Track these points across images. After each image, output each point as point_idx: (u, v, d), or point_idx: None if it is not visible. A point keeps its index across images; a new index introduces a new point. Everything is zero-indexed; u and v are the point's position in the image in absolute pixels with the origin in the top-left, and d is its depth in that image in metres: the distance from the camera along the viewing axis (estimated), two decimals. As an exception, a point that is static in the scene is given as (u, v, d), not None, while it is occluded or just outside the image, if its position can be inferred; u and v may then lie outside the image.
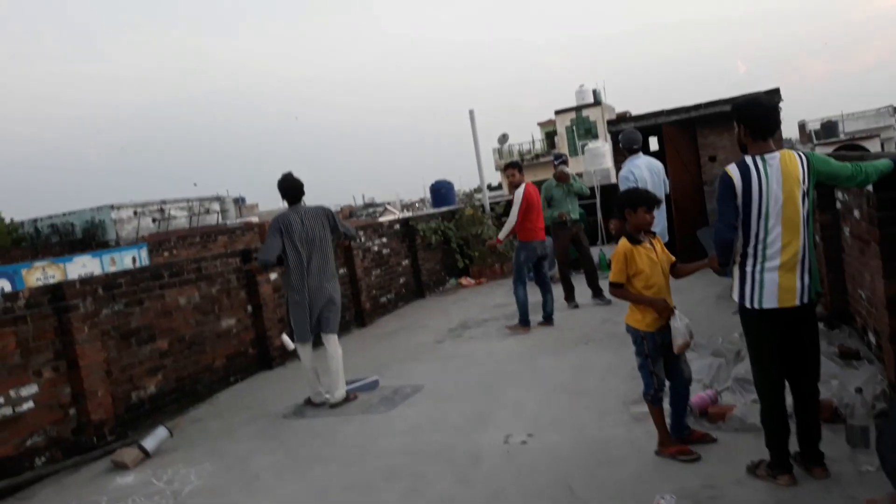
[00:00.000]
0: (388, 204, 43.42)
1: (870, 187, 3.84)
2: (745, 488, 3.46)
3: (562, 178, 8.60)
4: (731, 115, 3.53)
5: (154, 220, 27.41)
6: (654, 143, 12.19)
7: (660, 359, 3.98)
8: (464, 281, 12.36)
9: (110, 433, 5.75)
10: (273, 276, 7.82)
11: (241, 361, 7.54)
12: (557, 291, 8.44)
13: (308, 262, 5.91)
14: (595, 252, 9.89)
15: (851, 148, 28.44)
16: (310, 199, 6.19)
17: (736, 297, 3.49)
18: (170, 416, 6.29)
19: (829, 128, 34.89)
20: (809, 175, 3.32)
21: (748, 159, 3.36)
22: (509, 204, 7.97)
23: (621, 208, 4.04)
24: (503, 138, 38.85)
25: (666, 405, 4.08)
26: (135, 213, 26.92)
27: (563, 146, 37.67)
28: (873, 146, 30.30)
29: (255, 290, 7.80)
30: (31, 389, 5.31)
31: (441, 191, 17.16)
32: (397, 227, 11.65)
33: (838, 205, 5.39)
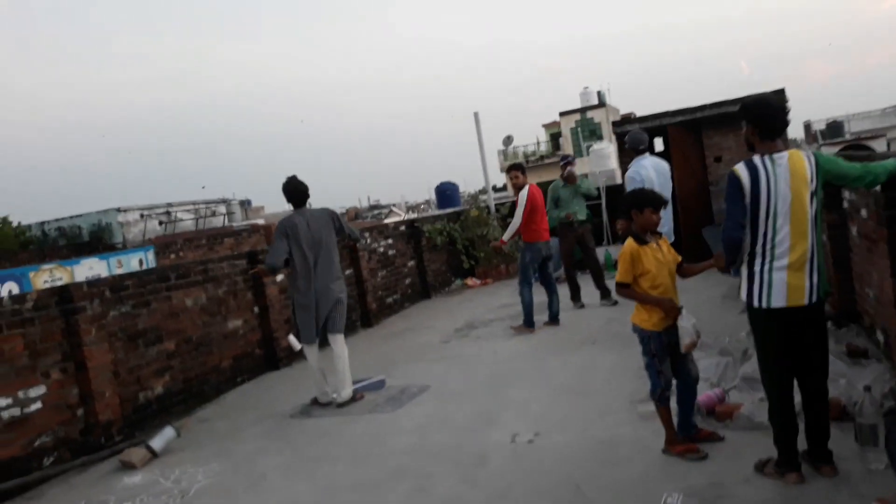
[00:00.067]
0: (394, 206, 43.45)
1: (877, 186, 3.83)
2: (752, 487, 3.45)
3: (570, 179, 8.63)
4: (739, 114, 3.52)
5: (160, 223, 27.47)
6: (659, 144, 12.18)
7: (666, 358, 3.98)
8: (469, 281, 12.36)
9: (118, 433, 5.77)
10: (280, 277, 7.84)
11: (247, 362, 7.56)
12: (563, 292, 8.44)
13: (314, 265, 5.93)
14: (601, 252, 9.88)
15: (857, 148, 28.33)
16: (315, 202, 6.22)
17: (744, 296, 3.48)
18: (177, 417, 6.31)
19: (834, 128, 34.78)
20: (817, 175, 3.31)
21: (756, 159, 3.35)
22: (514, 205, 7.98)
23: (628, 209, 4.04)
24: (508, 140, 38.91)
25: (673, 404, 4.08)
26: (141, 215, 26.98)
27: (567, 148, 37.62)
28: (879, 146, 30.17)
29: (262, 291, 7.83)
30: (40, 390, 5.34)
31: (446, 192, 17.15)
32: (403, 228, 11.67)
33: (845, 204, 5.38)
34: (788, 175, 3.28)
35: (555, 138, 41.74)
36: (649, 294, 3.92)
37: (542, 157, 40.16)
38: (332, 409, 5.94)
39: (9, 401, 5.10)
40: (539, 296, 7.93)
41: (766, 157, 3.33)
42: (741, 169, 3.35)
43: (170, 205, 28.67)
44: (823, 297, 3.41)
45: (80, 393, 5.63)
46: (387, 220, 19.71)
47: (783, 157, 3.31)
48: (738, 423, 4.16)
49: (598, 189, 11.32)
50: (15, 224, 27.56)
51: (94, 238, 25.55)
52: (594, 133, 37.61)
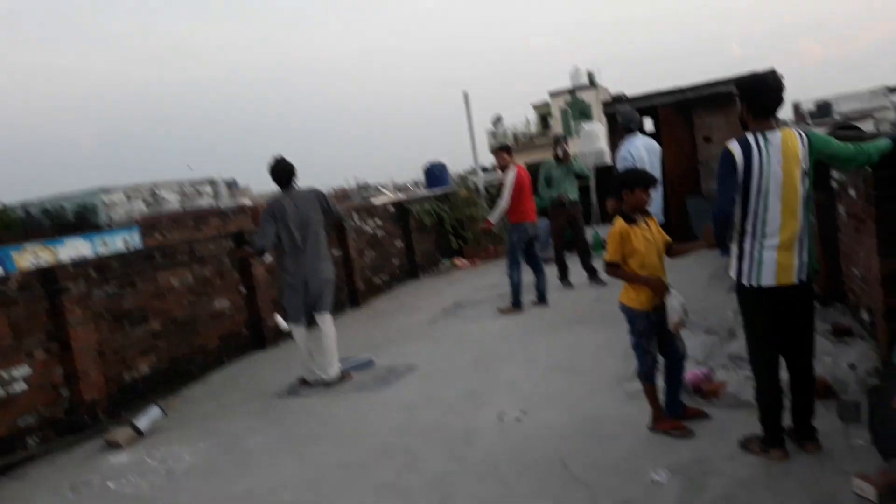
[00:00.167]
0: (382, 186, 43.28)
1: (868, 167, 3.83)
2: (737, 463, 3.48)
3: (565, 158, 8.61)
4: (733, 92, 3.49)
5: (146, 203, 27.27)
6: (649, 125, 12.15)
7: (654, 337, 3.99)
8: (458, 262, 12.35)
9: (103, 413, 5.74)
10: (268, 257, 7.80)
11: (234, 342, 7.53)
12: (551, 272, 8.44)
13: (303, 245, 5.90)
14: (589, 233, 9.89)
15: (846, 128, 28.42)
16: (303, 182, 6.16)
17: (734, 274, 3.48)
18: (163, 397, 6.28)
19: (823, 108, 34.88)
20: (809, 154, 3.30)
21: (750, 136, 3.33)
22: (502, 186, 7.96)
23: (619, 188, 4.02)
24: (497, 120, 38.75)
25: (660, 382, 4.10)
26: (126, 196, 26.77)
27: (557, 128, 37.54)
28: (867, 126, 30.32)
29: (249, 271, 7.78)
30: (24, 371, 5.30)
31: (435, 172, 17.05)
32: (391, 208, 11.62)
33: (833, 184, 5.39)
34: (781, 154, 3.26)
35: (544, 118, 41.61)
36: (638, 273, 3.92)
37: (531, 138, 40.07)
38: (319, 388, 5.93)
39: (-8, 381, 5.06)
40: (527, 276, 7.93)
41: (760, 136, 3.31)
42: (734, 146, 3.33)
43: (155, 185, 28.44)
44: (812, 277, 3.42)
45: (64, 373, 5.59)
46: (375, 201, 19.63)
47: (776, 135, 3.30)
48: (723, 400, 4.19)
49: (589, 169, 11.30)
50: (-2, 204, 27.27)
51: (79, 218, 25.34)
52: (584, 113, 37.50)
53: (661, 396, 4.09)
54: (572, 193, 8.69)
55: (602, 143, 12.36)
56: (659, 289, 3.89)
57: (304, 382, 6.09)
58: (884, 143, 3.45)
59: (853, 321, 5.13)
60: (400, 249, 11.44)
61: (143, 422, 5.36)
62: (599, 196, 12.24)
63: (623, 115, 7.40)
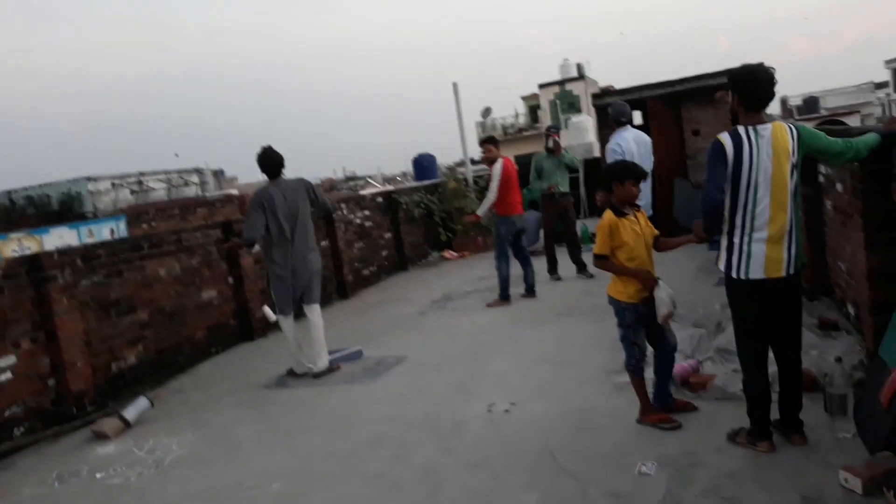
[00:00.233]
0: (370, 177, 43.13)
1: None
2: (725, 455, 3.51)
3: (556, 149, 8.62)
4: (726, 84, 3.50)
5: (132, 192, 27.04)
6: (637, 118, 12.18)
7: (641, 330, 4.01)
8: (447, 254, 12.35)
9: (90, 403, 5.71)
10: (256, 247, 7.76)
11: (222, 333, 7.50)
12: (539, 264, 8.46)
13: (291, 236, 5.87)
14: (577, 226, 9.91)
15: (833, 123, 28.63)
16: (290, 172, 6.12)
17: (722, 266, 3.50)
18: (150, 387, 6.25)
19: (810, 103, 35.10)
20: (799, 148, 3.32)
21: (741, 129, 3.34)
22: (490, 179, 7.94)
23: (609, 180, 4.03)
24: (486, 112, 38.66)
25: (650, 374, 4.12)
26: (112, 184, 26.53)
27: (546, 120, 37.53)
28: (854, 122, 30.53)
29: (237, 261, 7.74)
30: (10, 360, 5.25)
31: (424, 164, 17.01)
32: (380, 199, 11.59)
33: (821, 178, 5.43)
34: (771, 147, 3.28)
35: (533, 111, 41.61)
36: (626, 266, 3.94)
37: (520, 130, 40.06)
38: (308, 379, 5.92)
39: (-23, 371, 5.01)
40: (515, 269, 7.94)
41: (751, 128, 3.33)
42: (725, 137, 3.35)
43: (142, 174, 28.21)
44: (800, 270, 3.44)
45: (51, 363, 5.54)
46: (363, 192, 19.56)
47: (767, 128, 3.31)
48: (711, 393, 4.22)
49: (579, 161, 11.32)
50: (-18, 192, 26.96)
51: (64, 207, 25.09)
52: (573, 106, 37.55)
53: (650, 388, 4.11)
54: (563, 185, 8.70)
55: (590, 135, 12.40)
56: (648, 281, 3.91)
57: (292, 374, 6.08)
58: (872, 137, 3.47)
59: (839, 315, 5.18)
60: (389, 241, 11.42)
61: (130, 412, 5.33)
62: (588, 189, 12.28)
63: (614, 108, 7.41)
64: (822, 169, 5.26)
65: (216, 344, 7.38)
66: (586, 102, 34.84)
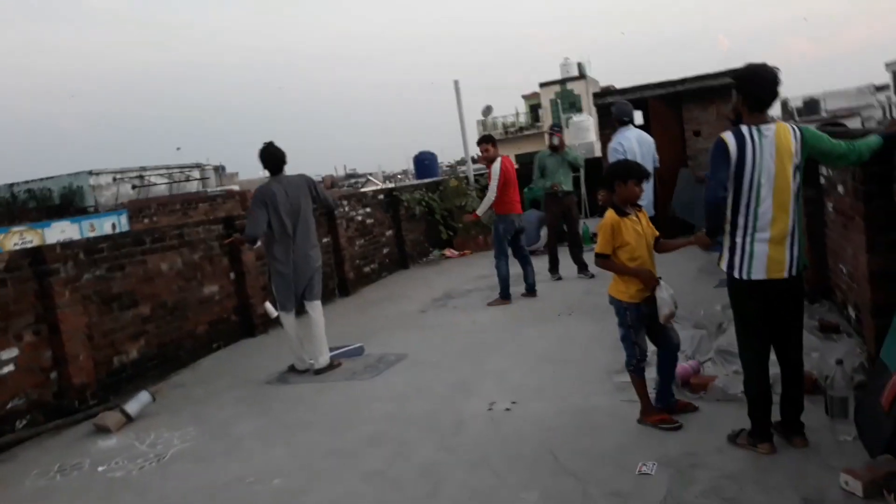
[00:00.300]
0: (371, 175, 43.10)
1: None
2: (725, 456, 3.52)
3: (560, 146, 8.63)
4: (730, 84, 3.51)
5: (133, 187, 27.01)
6: (638, 118, 12.18)
7: (642, 329, 4.02)
8: (448, 252, 12.36)
9: (92, 397, 5.72)
10: (258, 244, 7.78)
11: (223, 328, 7.51)
12: (540, 263, 8.47)
13: (293, 233, 5.88)
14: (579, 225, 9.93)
15: (833, 125, 28.63)
16: (291, 169, 6.13)
17: (724, 267, 3.51)
18: (152, 382, 6.26)
19: (811, 105, 35.04)
20: (802, 150, 3.33)
21: (744, 128, 3.35)
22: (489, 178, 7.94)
23: (611, 179, 4.04)
24: (487, 110, 38.60)
25: (653, 374, 4.13)
26: (114, 179, 26.48)
27: (547, 119, 37.54)
28: (854, 124, 30.54)
29: (239, 257, 7.75)
30: (12, 353, 5.26)
31: (425, 162, 17.01)
32: (381, 197, 11.60)
33: (822, 180, 5.43)
34: (774, 148, 3.29)
35: (534, 110, 41.59)
36: (628, 266, 3.95)
37: (521, 129, 40.04)
38: (309, 376, 5.93)
39: (-20, 363, 5.02)
40: (515, 268, 7.95)
41: (754, 128, 3.34)
42: (728, 136, 3.36)
43: (143, 169, 28.18)
44: (802, 271, 3.45)
45: (53, 356, 5.55)
46: (364, 189, 19.56)
47: (770, 129, 3.32)
48: (712, 394, 4.23)
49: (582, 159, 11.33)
50: (-18, 185, 26.93)
51: (66, 201, 25.05)
52: (574, 105, 37.56)
53: (652, 389, 4.13)
54: (566, 184, 8.70)
55: (591, 135, 12.41)
56: (649, 281, 3.91)
57: (293, 370, 6.09)
58: (874, 140, 3.48)
59: (840, 318, 5.19)
60: (390, 238, 11.43)
61: (132, 406, 5.34)
62: (589, 189, 12.28)
63: (617, 107, 7.43)
64: (824, 171, 5.26)
65: (217, 339, 7.39)
66: (587, 102, 34.84)
